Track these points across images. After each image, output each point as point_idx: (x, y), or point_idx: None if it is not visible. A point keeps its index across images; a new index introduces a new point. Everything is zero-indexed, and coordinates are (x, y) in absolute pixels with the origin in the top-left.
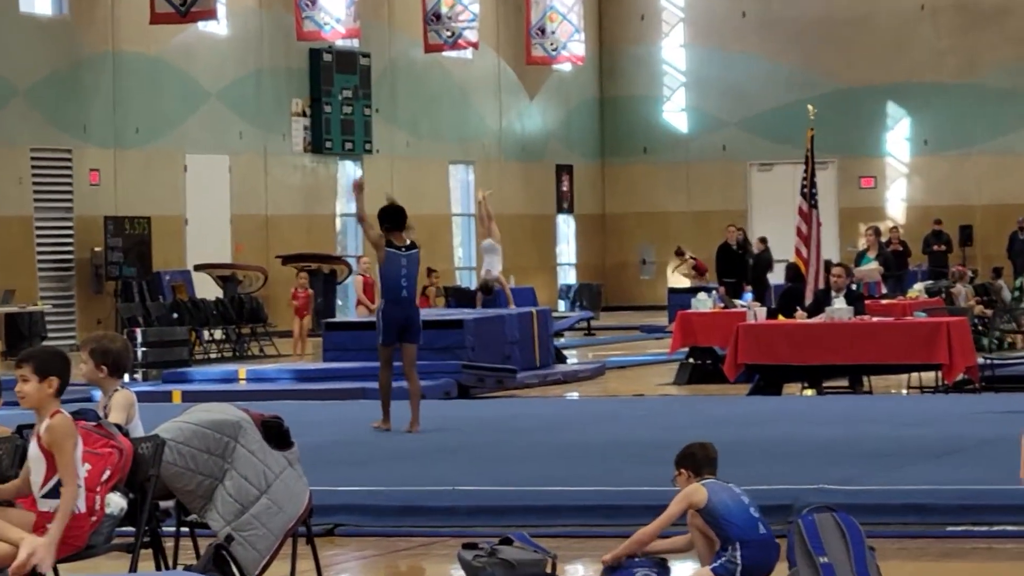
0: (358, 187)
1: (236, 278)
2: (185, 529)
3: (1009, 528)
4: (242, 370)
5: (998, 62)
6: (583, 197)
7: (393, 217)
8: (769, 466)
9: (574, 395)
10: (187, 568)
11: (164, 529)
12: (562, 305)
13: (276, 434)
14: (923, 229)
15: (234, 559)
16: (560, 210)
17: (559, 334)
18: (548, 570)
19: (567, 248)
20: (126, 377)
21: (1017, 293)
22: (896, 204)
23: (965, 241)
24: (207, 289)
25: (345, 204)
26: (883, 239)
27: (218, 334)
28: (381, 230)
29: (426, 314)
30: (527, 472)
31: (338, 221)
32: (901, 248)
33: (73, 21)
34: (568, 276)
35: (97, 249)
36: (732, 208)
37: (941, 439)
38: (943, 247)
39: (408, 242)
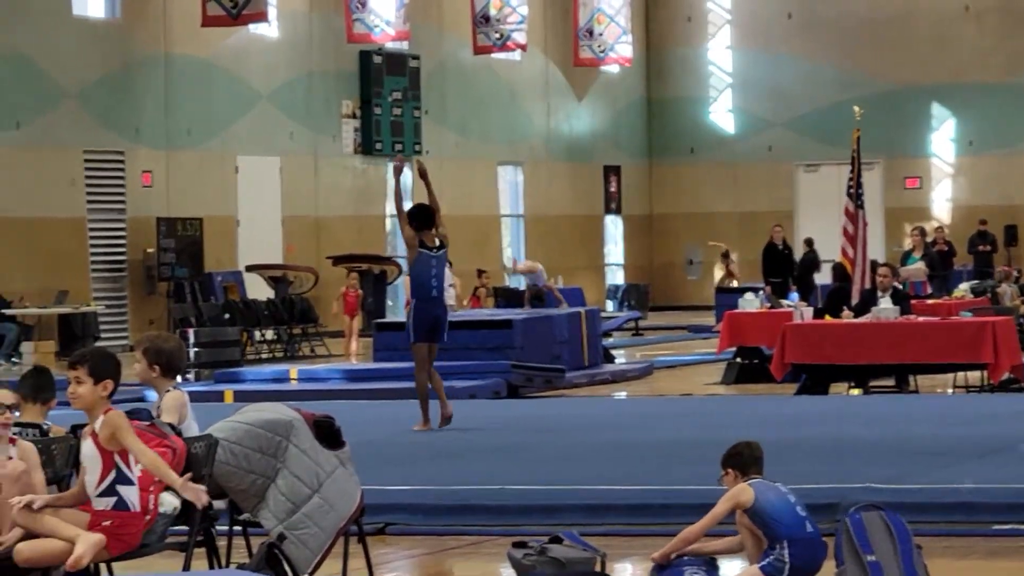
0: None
1: (287, 279)
2: (238, 528)
3: None
4: (293, 370)
5: None
6: (630, 198)
7: (422, 216)
8: (816, 465)
9: (622, 395)
10: (240, 567)
11: (217, 528)
12: (610, 305)
13: (328, 433)
14: (968, 229)
15: (286, 557)
16: (608, 211)
17: (607, 334)
18: (597, 568)
19: (615, 249)
20: (178, 378)
21: None
22: (941, 204)
23: (1010, 241)
24: (258, 290)
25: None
26: (928, 239)
27: (269, 334)
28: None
29: (476, 314)
30: (576, 471)
31: (388, 222)
32: (946, 248)
33: (125, 24)
34: (616, 276)
35: (149, 250)
36: (778, 208)
37: (986, 438)
38: (988, 247)
39: (437, 242)
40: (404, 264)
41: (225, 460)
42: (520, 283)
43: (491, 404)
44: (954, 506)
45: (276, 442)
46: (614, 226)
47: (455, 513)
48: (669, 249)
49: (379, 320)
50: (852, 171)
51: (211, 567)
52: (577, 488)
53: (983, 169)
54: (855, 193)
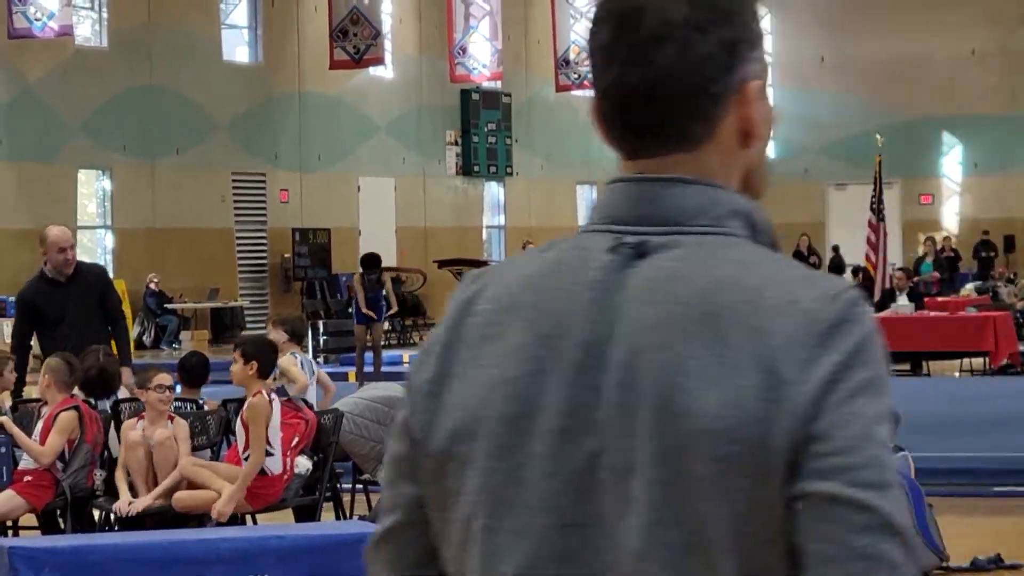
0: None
1: (400, 278)
2: (360, 486)
3: None
4: (405, 355)
5: None
6: None
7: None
8: None
9: None
10: (361, 518)
11: (342, 486)
12: None
13: None
14: (973, 238)
15: None
16: None
17: None
18: None
19: None
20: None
21: None
22: (951, 217)
23: (1009, 248)
24: None
25: (490, 218)
26: (938, 247)
27: (386, 325)
28: None
29: None
30: None
31: (484, 232)
32: (952, 254)
33: (266, 67)
34: None
35: (286, 255)
36: (811, 221)
37: (988, 414)
38: (991, 254)
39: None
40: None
41: (349, 430)
42: None
43: None
44: (960, 471)
45: (391, 415)
46: None
47: None
48: None
49: None
50: (874, 190)
51: (337, 519)
52: None
53: (986, 188)
54: (877, 208)
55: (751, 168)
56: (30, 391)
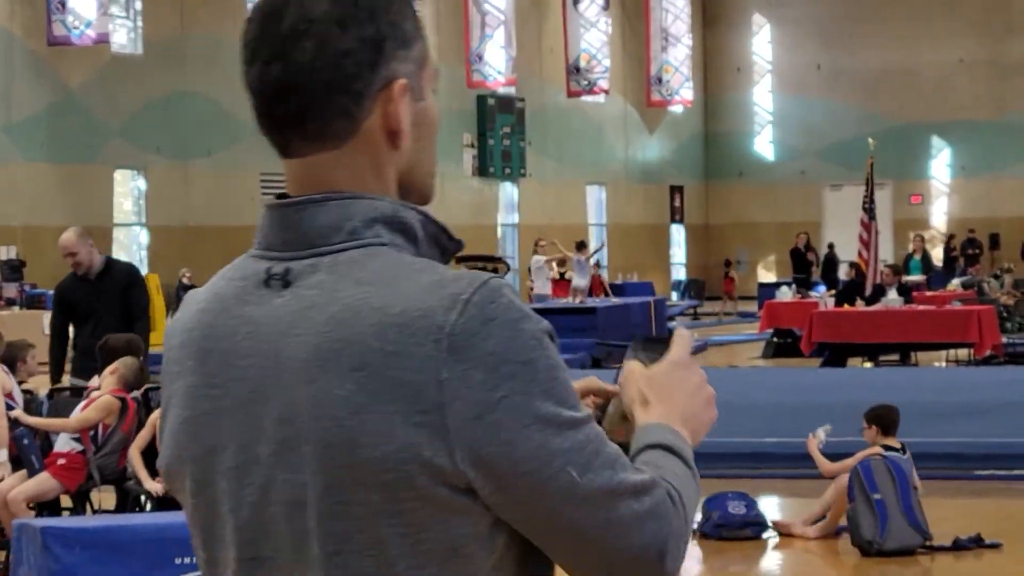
0: None
1: None
2: None
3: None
4: None
5: (1022, 103)
6: (691, 211)
7: None
8: (835, 423)
9: None
10: None
11: None
12: (674, 295)
13: None
14: (961, 236)
15: None
16: (673, 221)
17: (671, 318)
18: None
19: (679, 251)
20: None
21: None
22: (939, 217)
23: (993, 246)
24: None
25: (504, 216)
26: (927, 245)
27: None
28: None
29: (567, 303)
30: None
31: (499, 229)
32: (956, 250)
33: None
34: (679, 273)
35: None
36: (809, 220)
37: (972, 402)
38: (977, 251)
39: None
40: (512, 263)
41: None
42: (607, 277)
43: (577, 373)
44: (945, 456)
45: None
46: (678, 233)
47: None
48: (722, 252)
49: None
50: (866, 191)
51: None
52: None
53: (973, 189)
54: (869, 208)
55: (407, 169)
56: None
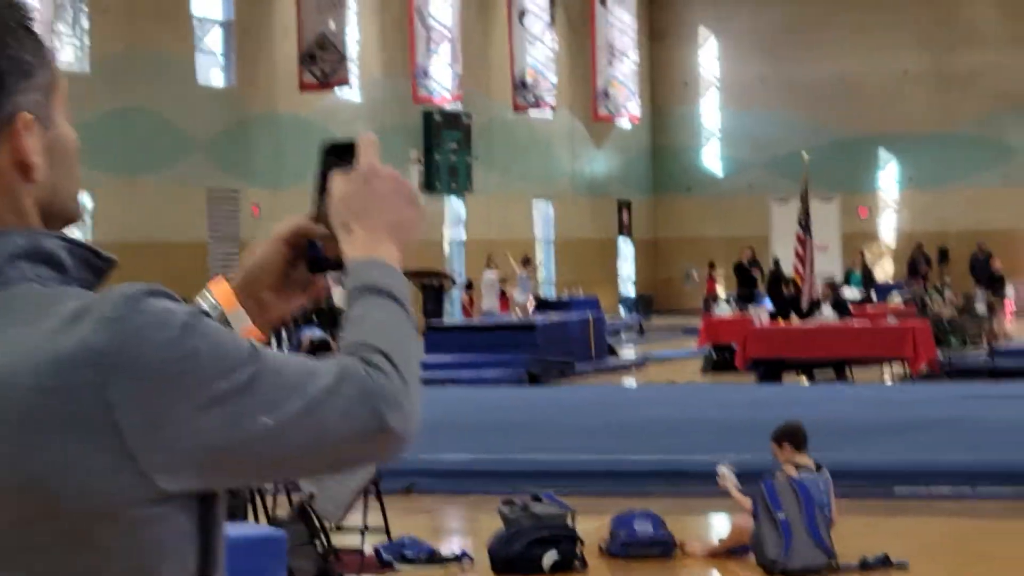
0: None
1: None
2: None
3: (943, 489)
4: None
5: (968, 115)
6: (639, 225)
7: None
8: (759, 441)
9: (626, 382)
10: (273, 520)
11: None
12: (622, 310)
13: None
14: (908, 250)
15: (315, 512)
16: (621, 235)
17: (616, 332)
18: (568, 522)
19: (626, 265)
20: None
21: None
22: (887, 230)
23: (942, 259)
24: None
25: (451, 232)
26: (874, 259)
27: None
28: None
29: (507, 319)
30: (573, 443)
31: (446, 245)
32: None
33: (239, 90)
34: (627, 288)
35: None
36: (756, 234)
37: (898, 420)
38: (925, 265)
39: None
40: (459, 279)
41: None
42: (551, 293)
43: (515, 389)
44: (865, 474)
45: None
46: (626, 247)
47: (467, 477)
48: (669, 266)
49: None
50: (802, 205)
51: (256, 520)
52: (557, 458)
53: (920, 202)
54: (805, 223)
55: (48, 198)
56: None
